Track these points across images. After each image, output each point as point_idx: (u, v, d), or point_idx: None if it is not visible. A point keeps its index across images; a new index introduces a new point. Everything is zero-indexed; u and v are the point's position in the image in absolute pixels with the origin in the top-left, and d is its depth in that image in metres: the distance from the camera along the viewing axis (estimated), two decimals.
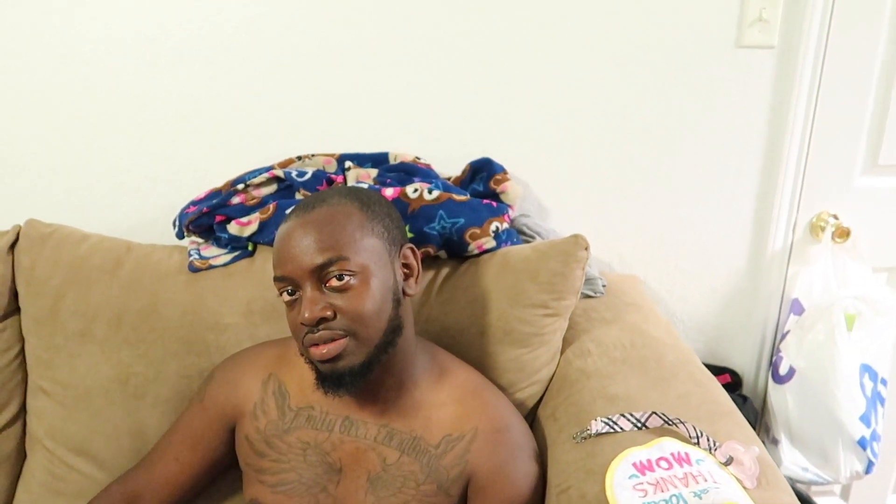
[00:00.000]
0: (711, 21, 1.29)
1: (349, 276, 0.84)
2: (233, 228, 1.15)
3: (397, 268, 0.91)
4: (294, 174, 1.18)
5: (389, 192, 1.12)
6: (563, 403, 1.03)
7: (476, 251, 1.13)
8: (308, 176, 1.18)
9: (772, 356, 1.48)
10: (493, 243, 1.13)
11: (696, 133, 1.35)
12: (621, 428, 0.90)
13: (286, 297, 0.87)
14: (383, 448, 0.93)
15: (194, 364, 1.11)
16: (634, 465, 0.83)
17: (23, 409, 1.16)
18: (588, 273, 1.23)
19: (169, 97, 1.27)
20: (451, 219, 1.11)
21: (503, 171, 1.24)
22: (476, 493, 0.91)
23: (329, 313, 0.84)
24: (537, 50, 1.29)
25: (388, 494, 0.91)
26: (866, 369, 1.33)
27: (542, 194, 1.37)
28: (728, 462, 0.83)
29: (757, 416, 1.48)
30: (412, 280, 0.93)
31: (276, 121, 1.29)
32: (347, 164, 1.24)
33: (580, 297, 1.17)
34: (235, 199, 1.19)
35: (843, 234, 1.38)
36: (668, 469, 0.81)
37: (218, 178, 1.25)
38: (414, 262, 0.93)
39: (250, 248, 1.18)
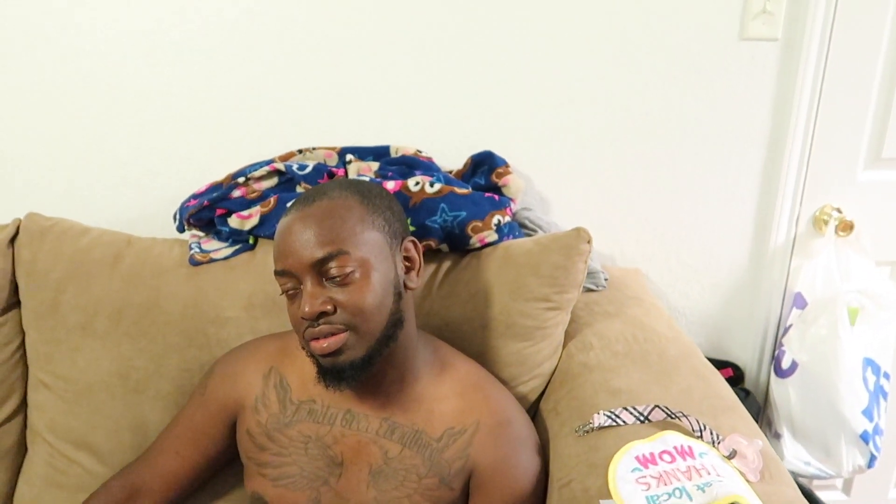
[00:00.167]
0: (714, 13, 1.28)
1: (350, 269, 0.84)
2: (234, 222, 1.15)
3: (398, 261, 0.90)
4: (295, 167, 1.18)
5: (391, 185, 1.12)
6: (566, 397, 1.03)
7: (478, 245, 1.12)
8: (309, 169, 1.17)
9: (774, 350, 1.48)
10: (494, 237, 1.12)
11: (699, 126, 1.35)
12: (624, 421, 0.90)
13: (287, 291, 0.87)
14: (385, 441, 0.92)
15: (195, 358, 1.11)
16: (637, 458, 0.82)
17: (23, 403, 1.15)
18: (590, 267, 1.23)
19: (169, 91, 1.26)
20: (452, 212, 1.10)
21: (505, 164, 1.23)
22: (478, 486, 0.91)
23: (329, 307, 0.83)
24: (539, 43, 1.28)
25: (390, 488, 0.91)
26: (869, 363, 1.33)
27: (543, 187, 1.37)
28: (731, 455, 0.82)
29: (759, 410, 1.48)
30: (413, 273, 0.92)
31: (277, 114, 1.29)
32: (349, 157, 1.24)
33: (582, 291, 1.16)
34: (236, 193, 1.18)
35: (846, 227, 1.37)
36: (671, 462, 0.81)
37: (218, 172, 1.24)
38: (415, 255, 0.93)
39: (251, 241, 1.17)
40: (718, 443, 0.84)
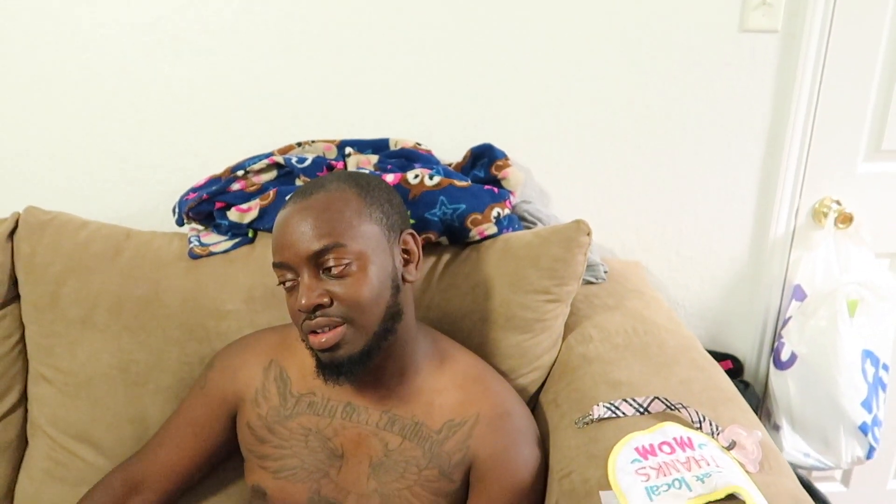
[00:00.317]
0: (714, 5, 1.28)
1: (346, 262, 0.84)
2: (233, 215, 1.15)
3: (396, 254, 0.90)
4: (294, 160, 1.17)
5: (390, 178, 1.12)
6: (565, 389, 1.03)
7: (477, 237, 1.12)
8: (308, 162, 1.17)
9: (773, 342, 1.48)
10: (494, 229, 1.12)
11: (699, 118, 1.34)
12: (623, 413, 0.90)
13: (286, 283, 0.87)
14: (385, 434, 0.92)
15: (195, 351, 1.11)
16: (637, 449, 0.82)
17: (24, 397, 1.16)
18: (590, 259, 1.23)
19: (168, 84, 1.26)
20: (452, 205, 1.10)
21: (504, 156, 1.23)
22: (478, 478, 0.91)
23: (326, 300, 0.83)
24: (539, 37, 1.28)
25: (391, 480, 0.92)
26: (868, 355, 1.33)
27: (543, 180, 1.37)
28: (731, 446, 0.83)
29: (758, 402, 1.48)
30: (412, 266, 0.92)
31: (275, 107, 1.29)
32: (348, 150, 1.24)
33: (582, 284, 1.16)
34: (235, 186, 1.18)
35: (845, 219, 1.37)
36: (670, 453, 0.81)
37: (217, 165, 1.24)
38: (414, 248, 0.93)
39: (250, 234, 1.17)
40: (718, 434, 0.84)
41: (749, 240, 1.44)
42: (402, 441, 0.92)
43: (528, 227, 1.21)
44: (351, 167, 1.21)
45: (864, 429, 1.31)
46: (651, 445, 0.83)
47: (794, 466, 1.37)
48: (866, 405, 1.31)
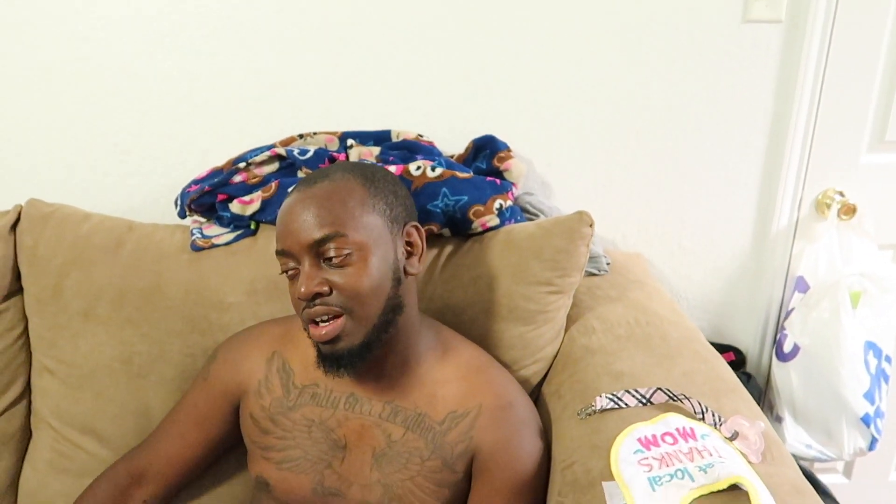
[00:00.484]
0: None
1: (347, 252, 0.84)
2: (235, 207, 1.15)
3: (399, 246, 0.90)
4: (296, 152, 1.17)
5: (392, 169, 1.11)
6: (568, 380, 1.03)
7: (480, 229, 1.12)
8: (310, 154, 1.17)
9: (776, 334, 1.48)
10: (496, 221, 1.12)
11: (702, 109, 1.34)
12: (626, 404, 0.90)
13: (288, 271, 0.87)
14: (388, 424, 0.93)
15: (198, 343, 1.11)
16: (639, 440, 0.83)
17: (27, 389, 1.16)
18: (592, 251, 1.23)
19: (170, 76, 1.26)
20: (454, 196, 1.10)
21: (506, 148, 1.23)
22: (481, 468, 0.91)
23: (325, 289, 0.84)
24: (540, 28, 1.27)
25: (394, 470, 0.92)
26: (871, 346, 1.33)
27: (545, 172, 1.36)
28: (733, 437, 0.83)
29: (760, 393, 1.49)
30: (415, 259, 0.92)
31: (277, 99, 1.28)
32: (350, 142, 1.23)
33: (584, 275, 1.16)
34: (237, 178, 1.18)
35: (848, 211, 1.37)
36: (673, 444, 0.81)
37: (219, 157, 1.24)
38: (418, 241, 0.92)
39: (253, 226, 1.17)
40: (720, 425, 0.84)
41: (752, 231, 1.43)
42: (405, 432, 0.92)
43: (531, 219, 1.21)
44: (353, 159, 1.20)
45: (866, 420, 1.31)
46: (654, 436, 0.83)
47: (797, 458, 1.37)
48: (869, 397, 1.31)
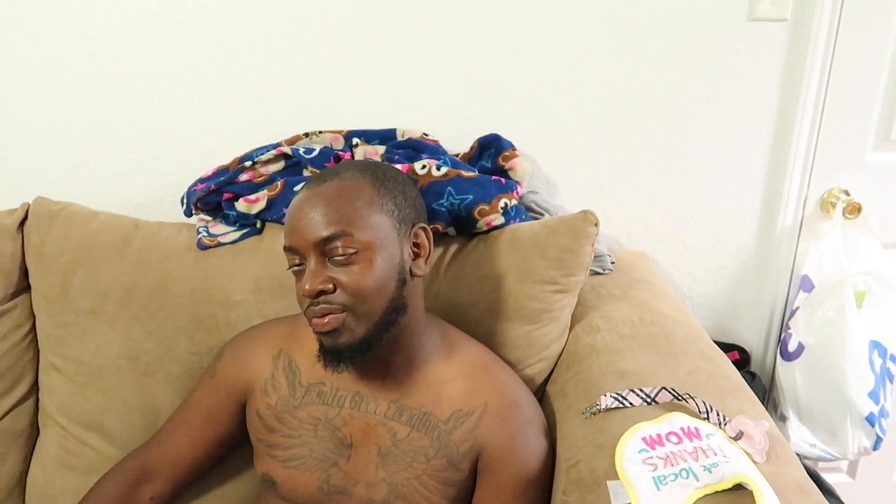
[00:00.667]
0: None
1: (353, 251, 0.84)
2: (241, 206, 1.15)
3: (406, 247, 0.90)
4: (302, 151, 1.17)
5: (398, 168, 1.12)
6: (573, 379, 1.03)
7: (485, 228, 1.12)
8: (316, 153, 1.17)
9: (780, 333, 1.48)
10: (501, 220, 1.12)
11: (707, 108, 1.34)
12: (631, 403, 0.90)
13: (294, 267, 0.88)
14: (393, 423, 0.93)
15: (204, 341, 1.12)
16: (644, 439, 0.83)
17: (35, 386, 1.17)
18: (597, 250, 1.23)
19: (174, 75, 1.26)
20: (459, 195, 1.10)
21: (511, 147, 1.23)
22: (486, 467, 0.92)
23: (329, 286, 0.84)
24: (545, 25, 1.27)
25: (399, 469, 0.92)
26: (875, 346, 1.33)
27: (550, 171, 1.36)
28: (738, 436, 0.83)
29: (765, 392, 1.48)
30: (421, 260, 0.92)
31: (281, 98, 1.29)
32: (355, 140, 1.24)
33: (589, 274, 1.16)
34: (243, 177, 1.18)
35: (854, 209, 1.37)
36: (677, 443, 0.81)
37: (225, 156, 1.24)
38: (425, 243, 0.93)
39: (258, 225, 1.18)
40: (725, 424, 0.84)
41: (756, 230, 1.43)
42: (411, 431, 0.92)
43: (536, 218, 1.21)
44: (358, 158, 1.21)
45: (871, 420, 1.31)
46: (658, 435, 0.83)
47: (801, 457, 1.37)
48: (873, 396, 1.31)
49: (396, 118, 1.30)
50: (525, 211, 1.20)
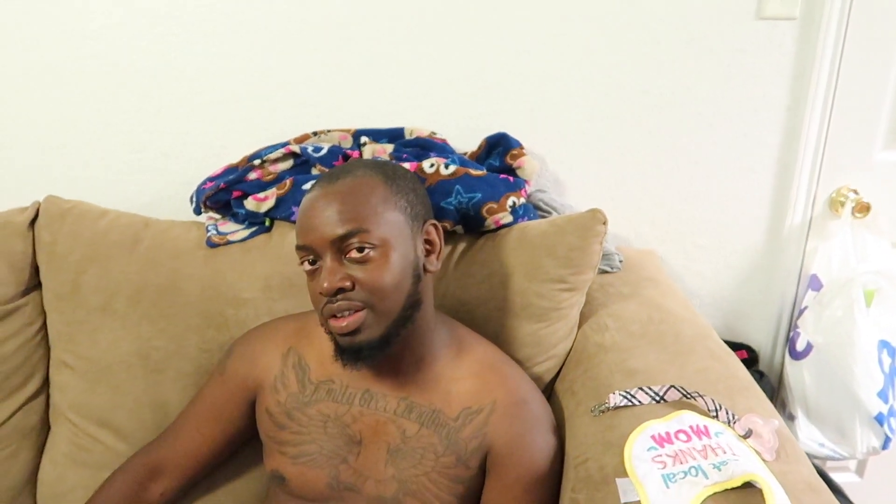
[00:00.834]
0: None
1: (369, 248, 0.84)
2: (250, 204, 1.16)
3: (419, 243, 0.91)
4: (310, 150, 1.18)
5: (406, 167, 1.12)
6: (581, 377, 1.03)
7: (493, 226, 1.13)
8: (324, 151, 1.18)
9: (789, 332, 1.47)
10: (509, 218, 1.12)
11: (715, 107, 1.34)
12: (639, 401, 0.91)
13: (307, 266, 0.88)
14: (403, 421, 0.93)
15: (214, 338, 1.12)
16: (653, 437, 0.83)
17: (46, 383, 1.17)
18: (605, 248, 1.23)
19: (183, 73, 1.27)
20: (467, 193, 1.10)
21: (519, 146, 1.23)
22: (494, 464, 0.92)
23: (347, 284, 0.84)
24: (552, 23, 1.27)
25: (408, 466, 0.92)
26: (885, 345, 1.32)
27: (558, 169, 1.36)
28: (747, 435, 0.83)
29: (773, 392, 1.48)
30: (433, 257, 0.93)
31: (290, 96, 1.29)
32: (363, 139, 1.24)
33: (597, 273, 1.16)
34: (252, 175, 1.19)
35: (863, 209, 1.36)
36: (686, 441, 0.81)
37: (233, 154, 1.25)
38: (436, 239, 0.93)
39: (267, 223, 1.18)
40: (734, 423, 0.84)
41: (765, 229, 1.43)
42: (420, 428, 0.93)
43: (543, 217, 1.21)
44: (366, 156, 1.21)
45: (879, 419, 1.31)
46: (667, 433, 0.83)
47: (809, 456, 1.37)
48: (882, 395, 1.31)
49: (403, 117, 1.31)
50: (533, 209, 1.21)
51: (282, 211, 1.15)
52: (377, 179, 0.88)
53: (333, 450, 0.95)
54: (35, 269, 1.16)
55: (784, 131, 1.36)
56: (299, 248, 0.88)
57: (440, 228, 0.94)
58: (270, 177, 1.18)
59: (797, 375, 1.38)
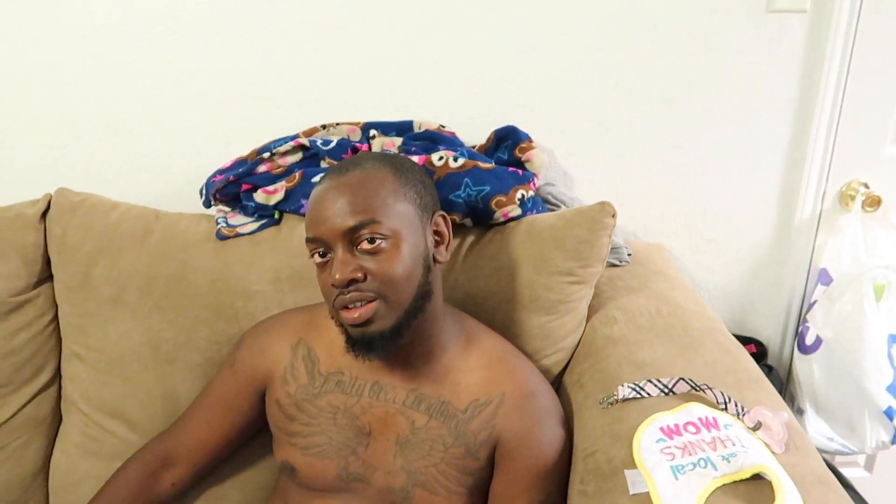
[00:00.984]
0: None
1: (380, 239, 0.85)
2: (259, 197, 1.16)
3: (428, 234, 0.91)
4: (319, 143, 1.18)
5: (415, 160, 1.12)
6: (590, 370, 1.04)
7: (501, 219, 1.13)
8: (333, 144, 1.18)
9: (798, 326, 1.47)
10: (518, 211, 1.13)
11: (725, 100, 1.33)
12: (648, 393, 0.91)
13: (317, 258, 0.88)
14: (412, 412, 0.94)
15: (223, 330, 1.13)
16: (662, 429, 0.83)
17: (57, 374, 1.18)
18: (613, 242, 1.23)
19: (193, 67, 1.27)
20: (476, 186, 1.10)
21: (528, 139, 1.23)
22: (503, 456, 0.92)
23: (360, 275, 0.84)
24: (561, 16, 1.27)
25: (417, 457, 0.93)
26: (894, 340, 1.32)
27: (566, 163, 1.36)
28: (756, 427, 0.83)
29: (782, 386, 1.48)
30: (442, 247, 0.93)
31: (299, 89, 1.29)
32: (372, 132, 1.24)
33: (605, 266, 1.16)
34: (261, 168, 1.19)
35: (873, 202, 1.36)
36: (695, 433, 0.81)
37: (243, 147, 1.25)
38: (445, 230, 0.94)
39: (276, 216, 1.19)
40: (743, 415, 0.84)
41: (774, 223, 1.42)
42: (429, 420, 0.93)
43: (552, 210, 1.21)
44: (375, 149, 1.21)
45: (889, 414, 1.30)
46: (676, 425, 0.83)
47: (818, 451, 1.37)
48: (892, 390, 1.30)
49: (412, 110, 1.31)
50: (542, 202, 1.21)
51: (291, 203, 1.15)
52: (386, 171, 0.89)
53: (343, 441, 0.96)
54: (46, 261, 1.17)
55: (794, 125, 1.35)
56: (310, 240, 0.88)
57: (448, 219, 0.95)
58: (280, 170, 1.19)
59: (806, 370, 1.38)
